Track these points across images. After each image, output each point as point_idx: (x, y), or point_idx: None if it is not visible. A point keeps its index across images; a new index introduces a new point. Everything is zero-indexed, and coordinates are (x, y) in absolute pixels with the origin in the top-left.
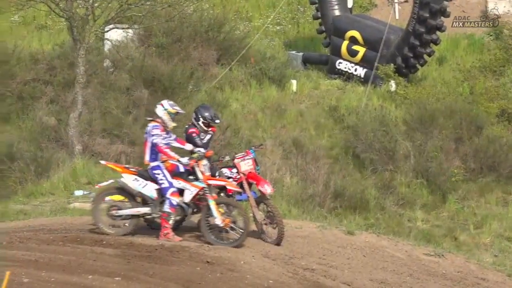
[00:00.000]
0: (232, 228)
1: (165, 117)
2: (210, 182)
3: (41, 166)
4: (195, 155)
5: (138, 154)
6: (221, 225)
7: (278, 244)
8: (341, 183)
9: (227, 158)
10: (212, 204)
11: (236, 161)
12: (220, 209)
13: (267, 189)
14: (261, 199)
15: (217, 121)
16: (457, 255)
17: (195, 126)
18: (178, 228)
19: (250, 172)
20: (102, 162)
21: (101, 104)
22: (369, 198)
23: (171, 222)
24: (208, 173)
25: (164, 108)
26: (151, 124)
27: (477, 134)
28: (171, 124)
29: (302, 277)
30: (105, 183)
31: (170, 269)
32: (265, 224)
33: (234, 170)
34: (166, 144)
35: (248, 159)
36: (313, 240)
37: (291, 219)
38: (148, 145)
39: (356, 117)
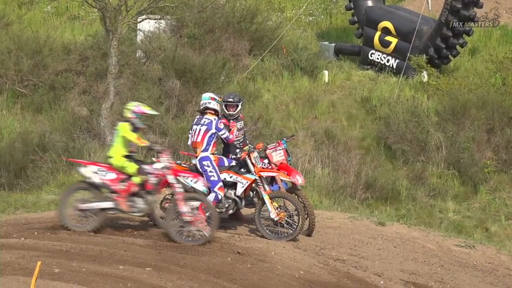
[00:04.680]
0: (287, 222)
1: (219, 108)
2: (262, 173)
3: (73, 156)
4: (246, 148)
5: (170, 145)
6: (276, 219)
7: (309, 235)
8: (372, 174)
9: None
10: (266, 198)
11: (268, 151)
12: (275, 203)
13: (299, 179)
14: (292, 189)
15: (230, 99)
16: (488, 246)
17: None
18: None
19: (282, 162)
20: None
21: (133, 95)
22: (400, 189)
23: (207, 214)
24: (259, 165)
25: (217, 101)
26: (213, 118)
27: (509, 125)
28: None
29: (333, 268)
30: None
31: (201, 259)
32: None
33: (266, 161)
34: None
35: (279, 149)
36: (344, 231)
37: (322, 210)
38: (206, 137)
39: (388, 108)
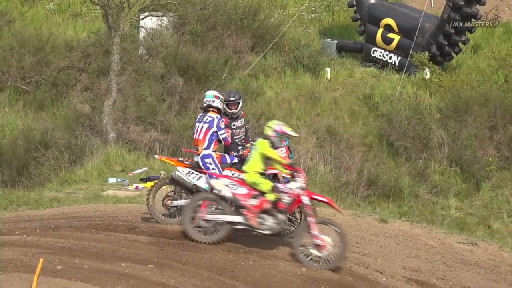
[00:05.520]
0: (289, 219)
1: (222, 106)
2: None
3: (75, 153)
4: (248, 145)
5: (172, 142)
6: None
7: None
8: (374, 171)
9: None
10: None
11: None
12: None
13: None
14: None
15: (232, 98)
16: (490, 243)
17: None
18: None
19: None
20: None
21: (136, 92)
22: (402, 186)
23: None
24: None
25: (221, 99)
26: (215, 116)
27: (511, 122)
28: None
29: None
30: (138, 171)
31: (203, 256)
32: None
33: None
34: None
35: (282, 147)
36: (346, 228)
37: (324, 207)
38: (208, 135)
39: (390, 105)
